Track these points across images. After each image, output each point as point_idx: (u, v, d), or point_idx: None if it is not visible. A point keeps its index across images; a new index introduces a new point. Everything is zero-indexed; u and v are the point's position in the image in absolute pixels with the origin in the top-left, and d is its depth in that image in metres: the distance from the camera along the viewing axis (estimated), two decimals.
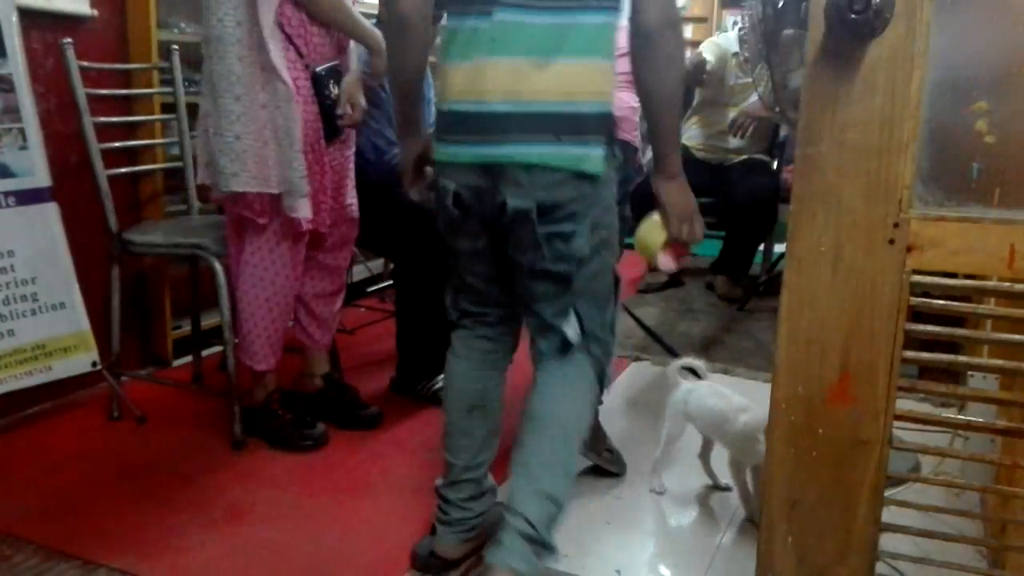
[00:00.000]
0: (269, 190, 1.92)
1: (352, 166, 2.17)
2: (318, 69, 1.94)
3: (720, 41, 3.71)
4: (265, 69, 1.87)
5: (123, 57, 2.43)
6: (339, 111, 2.01)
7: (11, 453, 2.01)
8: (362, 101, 2.04)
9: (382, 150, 2.31)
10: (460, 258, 1.49)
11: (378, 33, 2.00)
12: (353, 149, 2.16)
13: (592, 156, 1.31)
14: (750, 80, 3.47)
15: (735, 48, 3.59)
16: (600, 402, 1.98)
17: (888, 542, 1.08)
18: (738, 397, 1.83)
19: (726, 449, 1.79)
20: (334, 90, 1.98)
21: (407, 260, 2.42)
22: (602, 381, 1.47)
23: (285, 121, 1.88)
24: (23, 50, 2.01)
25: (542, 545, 1.31)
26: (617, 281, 2.08)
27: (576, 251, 1.35)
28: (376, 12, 2.36)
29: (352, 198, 2.16)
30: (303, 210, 1.94)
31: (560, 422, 1.39)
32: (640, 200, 3.68)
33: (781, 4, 1.69)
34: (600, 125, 1.32)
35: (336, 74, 1.99)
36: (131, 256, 2.25)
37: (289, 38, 1.89)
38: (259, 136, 1.90)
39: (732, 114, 3.54)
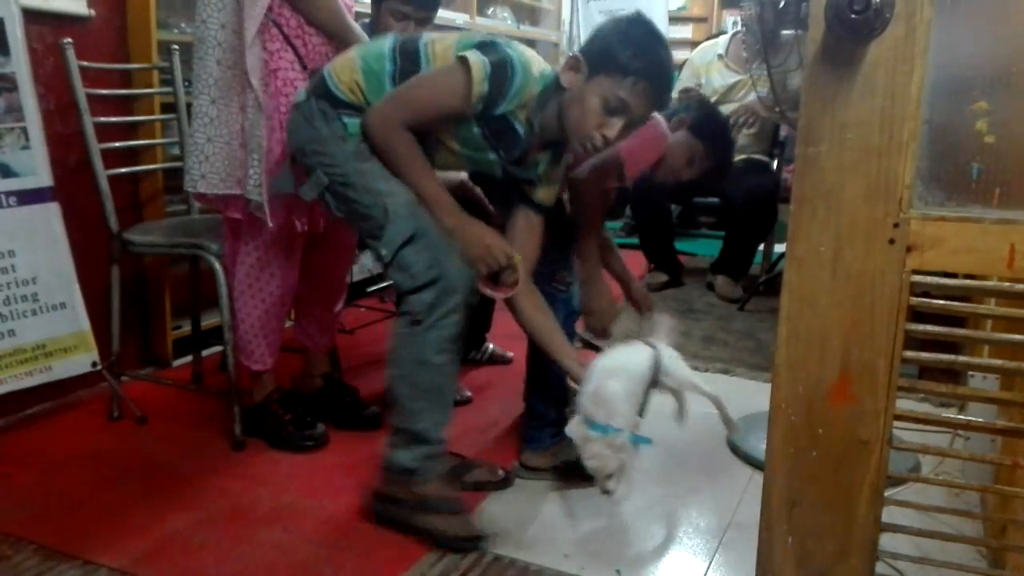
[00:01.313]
0: (239, 192, 1.91)
1: None
2: (316, 71, 1.94)
3: (695, 58, 3.75)
4: (245, 73, 1.86)
5: (123, 57, 2.43)
6: None
7: (11, 453, 2.01)
8: None
9: None
10: None
11: (365, 36, 2.00)
12: None
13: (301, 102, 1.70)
14: (741, 78, 3.49)
15: (720, 51, 3.62)
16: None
17: (888, 542, 1.08)
18: (635, 363, 1.68)
19: None
20: None
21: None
22: (417, 311, 1.62)
23: (251, 128, 1.87)
24: (25, 49, 2.01)
25: (414, 471, 1.67)
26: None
27: (308, 194, 1.69)
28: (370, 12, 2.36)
29: None
30: (264, 217, 1.90)
31: (390, 387, 1.70)
32: (640, 200, 3.66)
33: (783, 4, 1.69)
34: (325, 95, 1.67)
35: None
36: (131, 256, 2.25)
37: (287, 39, 1.88)
38: (235, 138, 1.89)
39: (728, 109, 3.55)
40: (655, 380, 1.67)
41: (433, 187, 1.64)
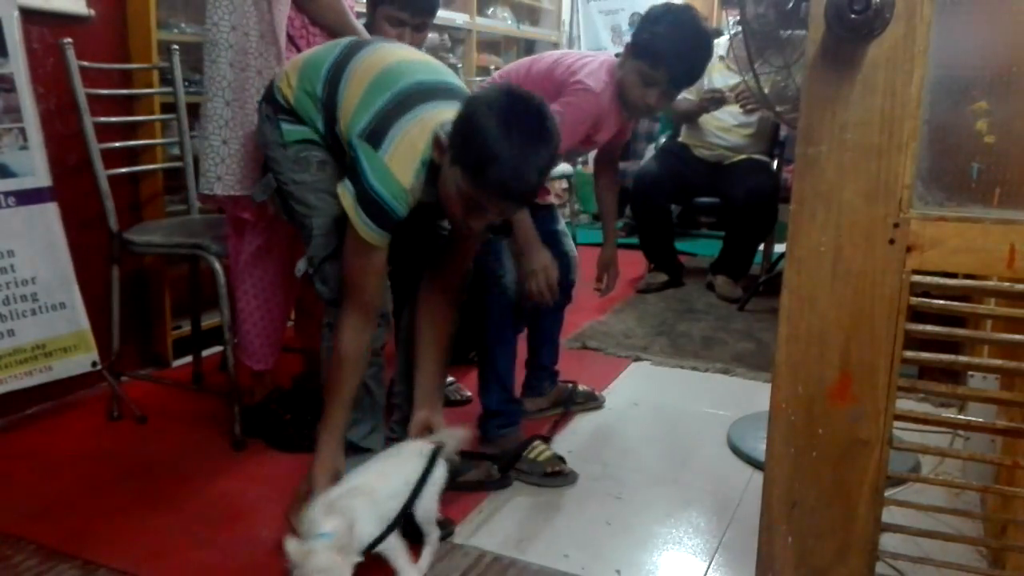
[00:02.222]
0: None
1: None
2: None
3: None
4: (261, 74, 1.86)
5: (123, 57, 2.43)
6: None
7: (11, 453, 2.01)
8: None
9: None
10: None
11: (367, 35, 2.00)
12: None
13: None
14: (739, 79, 3.49)
15: (720, 51, 3.62)
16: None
17: (888, 542, 1.08)
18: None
19: None
20: None
21: (402, 261, 2.42)
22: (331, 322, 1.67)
23: None
24: (24, 50, 2.01)
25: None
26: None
27: (257, 195, 1.78)
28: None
29: None
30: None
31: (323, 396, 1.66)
32: (640, 200, 3.65)
33: (791, 4, 1.68)
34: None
35: None
36: (131, 256, 2.25)
37: (291, 39, 1.89)
38: (248, 140, 1.89)
39: (730, 109, 3.54)
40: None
41: (334, 429, 1.59)
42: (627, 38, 2.17)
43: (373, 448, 1.73)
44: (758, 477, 1.68)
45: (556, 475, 1.89)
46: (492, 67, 4.43)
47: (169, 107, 2.46)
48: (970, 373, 1.73)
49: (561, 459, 1.93)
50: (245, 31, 1.86)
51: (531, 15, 5.61)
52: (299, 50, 1.91)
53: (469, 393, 2.37)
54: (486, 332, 1.96)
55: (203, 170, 1.94)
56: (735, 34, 3.65)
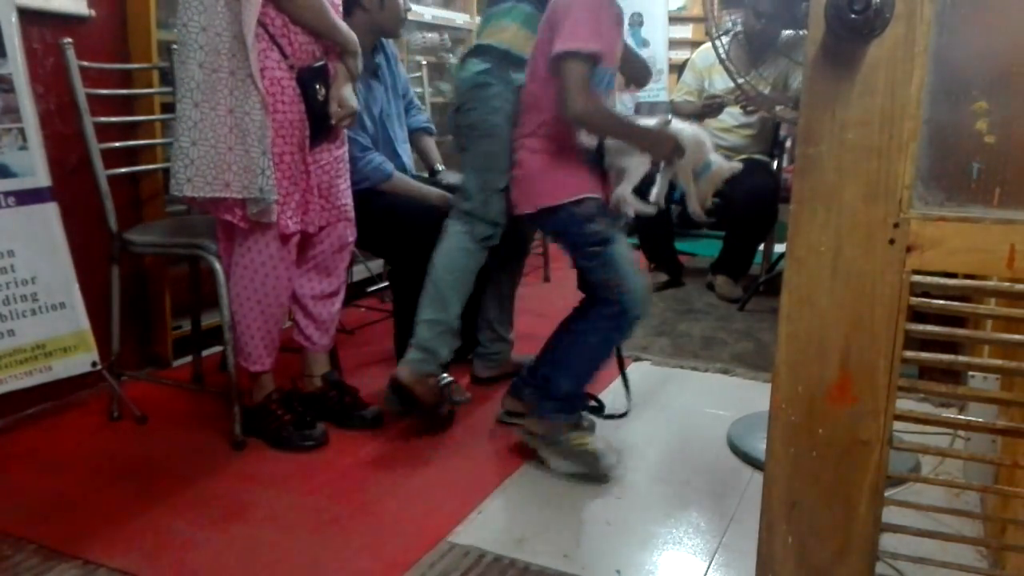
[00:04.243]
0: (228, 195, 1.90)
1: (345, 166, 2.16)
2: (303, 69, 1.93)
3: (696, 60, 3.73)
4: (235, 75, 1.85)
5: (123, 57, 2.44)
6: (331, 117, 2.00)
7: (11, 453, 2.02)
8: (352, 101, 2.03)
9: (355, 157, 2.30)
10: None
11: (352, 35, 1.99)
12: (344, 149, 2.15)
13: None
14: (742, 81, 3.48)
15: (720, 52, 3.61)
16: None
17: (888, 542, 1.08)
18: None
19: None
20: (320, 90, 1.97)
21: (401, 261, 2.43)
22: (475, 233, 2.10)
23: (259, 129, 1.86)
24: (23, 50, 2.01)
25: (430, 351, 2.08)
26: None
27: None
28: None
29: (347, 199, 2.16)
30: (270, 216, 1.93)
31: (435, 275, 2.09)
32: (642, 195, 3.63)
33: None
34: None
35: (323, 74, 1.98)
36: (131, 256, 2.25)
37: (273, 38, 1.88)
38: (222, 141, 1.87)
39: (731, 110, 3.54)
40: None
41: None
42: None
43: (439, 350, 2.07)
44: (758, 477, 1.68)
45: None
46: None
47: (169, 107, 2.46)
48: (970, 373, 1.73)
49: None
50: (217, 32, 1.83)
51: None
52: (281, 50, 1.89)
53: (469, 395, 2.37)
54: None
55: (173, 172, 1.92)
56: (735, 35, 3.65)
